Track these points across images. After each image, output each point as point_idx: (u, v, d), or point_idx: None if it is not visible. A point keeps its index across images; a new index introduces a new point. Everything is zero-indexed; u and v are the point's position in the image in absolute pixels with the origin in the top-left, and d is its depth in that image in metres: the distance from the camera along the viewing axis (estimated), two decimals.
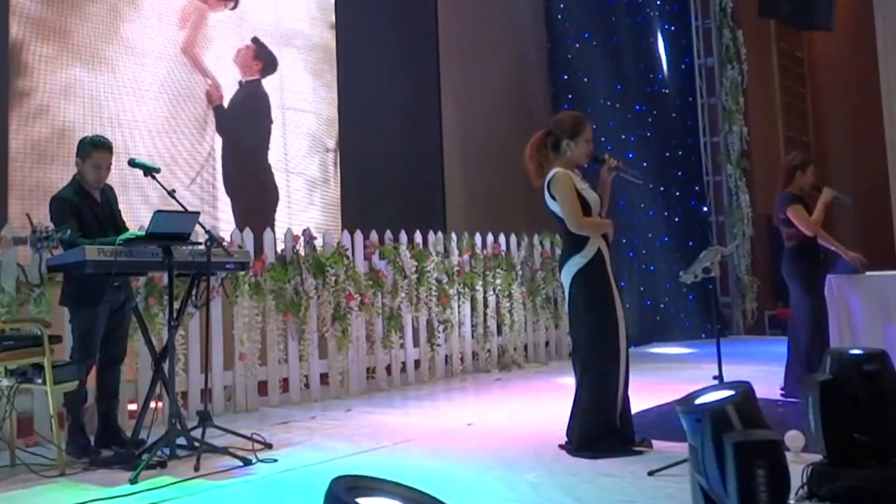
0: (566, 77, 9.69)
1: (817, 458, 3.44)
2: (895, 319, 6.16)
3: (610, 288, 4.48)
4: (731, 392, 2.75)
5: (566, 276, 4.52)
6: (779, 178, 6.20)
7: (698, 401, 2.77)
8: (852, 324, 6.28)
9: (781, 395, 5.81)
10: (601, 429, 4.38)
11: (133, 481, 4.06)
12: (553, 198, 4.50)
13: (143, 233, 4.60)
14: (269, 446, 4.78)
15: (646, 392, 6.04)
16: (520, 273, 8.57)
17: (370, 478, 2.03)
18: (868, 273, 6.37)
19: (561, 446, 4.50)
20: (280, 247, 6.62)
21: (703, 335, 10.38)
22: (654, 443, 4.44)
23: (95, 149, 4.78)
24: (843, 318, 6.19)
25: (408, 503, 1.96)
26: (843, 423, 3.30)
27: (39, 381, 4.37)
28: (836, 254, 5.92)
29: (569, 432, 4.49)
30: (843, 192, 6.07)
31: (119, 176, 5.89)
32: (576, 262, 4.46)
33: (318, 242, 6.82)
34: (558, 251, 4.93)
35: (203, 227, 4.80)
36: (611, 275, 4.50)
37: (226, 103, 8.01)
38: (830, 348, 3.74)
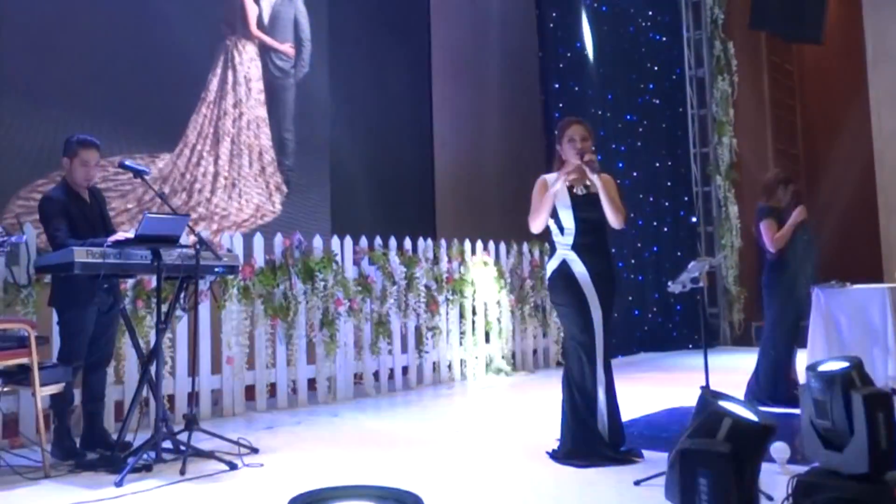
0: (557, 86, 9.70)
1: (803, 469, 3.46)
2: (879, 331, 6.22)
3: (576, 293, 4.40)
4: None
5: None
6: (761, 189, 6.27)
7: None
8: (839, 335, 6.33)
9: None
10: (585, 436, 4.36)
11: (118, 484, 4.04)
12: None
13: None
14: (255, 451, 4.76)
15: (633, 402, 6.05)
16: (508, 281, 8.58)
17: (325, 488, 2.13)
18: (854, 286, 6.43)
19: (548, 453, 4.50)
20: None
21: (690, 346, 10.43)
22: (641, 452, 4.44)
23: (83, 147, 4.75)
24: (829, 329, 6.24)
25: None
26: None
27: (25, 382, 4.35)
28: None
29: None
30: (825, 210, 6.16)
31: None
32: (548, 267, 4.61)
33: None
34: (547, 260, 4.94)
35: (193, 231, 4.79)
36: (580, 280, 4.40)
37: None
38: (809, 363, 3.78)
